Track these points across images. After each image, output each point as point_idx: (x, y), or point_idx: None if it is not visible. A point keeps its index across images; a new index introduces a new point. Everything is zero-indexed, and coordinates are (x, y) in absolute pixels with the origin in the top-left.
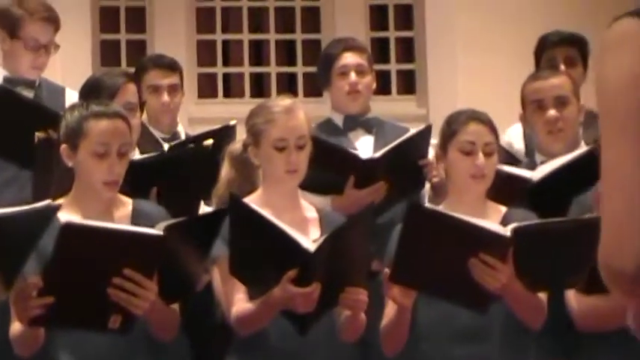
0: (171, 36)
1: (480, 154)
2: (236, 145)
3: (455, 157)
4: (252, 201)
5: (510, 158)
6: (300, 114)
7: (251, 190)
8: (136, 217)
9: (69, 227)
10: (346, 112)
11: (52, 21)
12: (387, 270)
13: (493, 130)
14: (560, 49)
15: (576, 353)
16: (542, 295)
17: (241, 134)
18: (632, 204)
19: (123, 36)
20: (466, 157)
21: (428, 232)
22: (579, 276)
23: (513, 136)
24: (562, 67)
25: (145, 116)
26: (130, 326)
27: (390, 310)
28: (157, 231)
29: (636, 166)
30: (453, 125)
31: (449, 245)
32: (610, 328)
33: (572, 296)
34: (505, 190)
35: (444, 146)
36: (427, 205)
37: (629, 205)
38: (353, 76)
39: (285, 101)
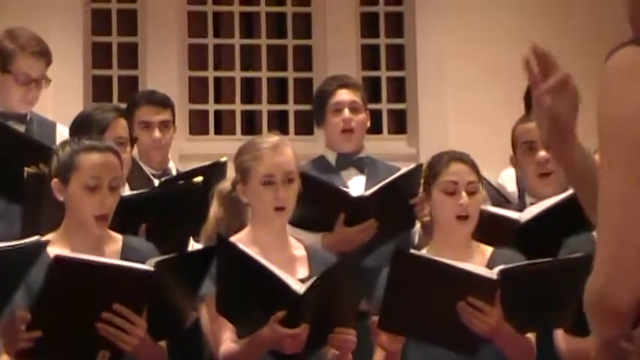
0: (164, 72)
1: (463, 194)
2: (225, 184)
3: (439, 199)
4: (240, 239)
5: (502, 199)
6: (287, 150)
7: (239, 229)
8: (126, 253)
9: (59, 260)
10: (339, 150)
11: (44, 55)
12: (374, 318)
13: (475, 170)
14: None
15: None
16: (531, 336)
17: (232, 171)
18: (637, 234)
19: (115, 71)
20: (450, 198)
21: (415, 278)
22: (567, 316)
23: (506, 179)
24: None
25: (135, 152)
26: None
27: (379, 355)
28: (147, 266)
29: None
30: (435, 167)
31: (436, 290)
32: None
33: (560, 336)
34: (491, 230)
35: (427, 188)
36: (413, 251)
37: (635, 235)
38: (347, 112)
39: (273, 138)
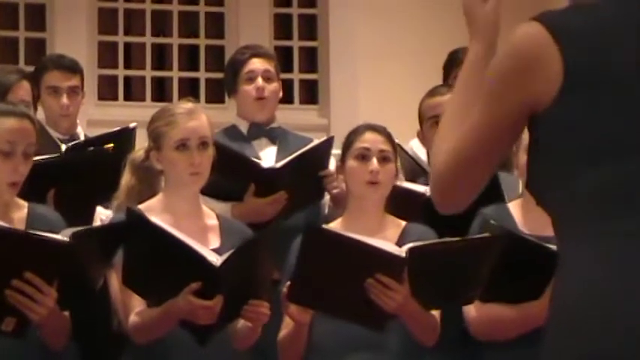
0: (73, 35)
1: (374, 160)
2: (138, 153)
3: (351, 165)
4: (151, 206)
5: (418, 168)
6: (201, 116)
7: (151, 197)
8: (32, 221)
9: None
10: (252, 119)
11: None
12: (284, 289)
13: (390, 140)
14: None
15: None
16: (436, 313)
17: (141, 138)
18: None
19: (22, 33)
20: (361, 164)
21: (325, 253)
22: (474, 294)
23: (417, 148)
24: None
25: (42, 117)
26: (25, 331)
27: (288, 322)
28: (62, 237)
29: (487, 133)
30: (351, 136)
31: (346, 266)
32: (506, 337)
33: (470, 307)
34: (403, 204)
35: (343, 158)
36: (326, 226)
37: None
38: (260, 81)
39: (187, 104)
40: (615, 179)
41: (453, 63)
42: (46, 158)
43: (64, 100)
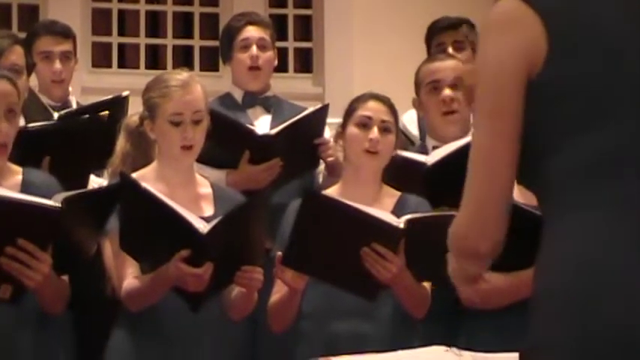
0: (66, 2)
1: (375, 129)
2: (133, 118)
3: (351, 132)
4: (145, 175)
5: (406, 140)
6: (196, 88)
7: (146, 164)
8: (26, 187)
9: None
10: (246, 88)
11: None
12: (279, 253)
13: (392, 111)
14: (449, 34)
15: (456, 336)
16: (427, 285)
17: (135, 106)
18: (497, 189)
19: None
20: (362, 132)
21: (323, 220)
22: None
23: (407, 122)
24: (450, 51)
25: (35, 83)
26: (20, 297)
27: (279, 287)
28: (54, 202)
29: (506, 149)
30: (354, 104)
31: (343, 233)
32: (499, 305)
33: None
34: (400, 174)
35: (344, 124)
36: (323, 192)
37: (495, 190)
38: (255, 50)
39: (182, 75)
40: (611, 145)
41: (432, 33)
42: (40, 125)
43: (57, 65)
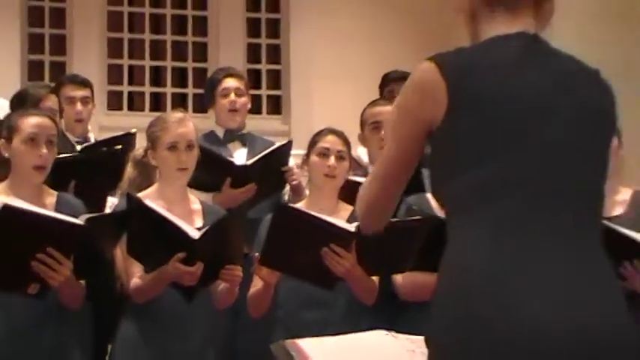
0: (87, 59)
1: (332, 158)
2: (138, 151)
3: (314, 161)
4: (149, 194)
5: (359, 167)
6: (189, 123)
7: (149, 186)
8: (60, 206)
9: (7, 208)
10: (226, 127)
11: None
12: (257, 254)
13: (346, 143)
14: (398, 84)
15: (398, 321)
16: (375, 278)
17: (140, 141)
18: (376, 202)
19: (47, 57)
20: (322, 160)
21: (291, 227)
22: (407, 264)
23: (361, 153)
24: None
25: (62, 124)
26: (45, 294)
27: (256, 282)
28: (79, 220)
29: (399, 173)
30: (315, 137)
31: (307, 237)
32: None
33: (399, 276)
34: (353, 193)
35: (308, 154)
36: (292, 205)
37: (374, 201)
38: (233, 96)
39: (178, 114)
40: (490, 176)
41: (385, 82)
42: (66, 156)
43: (78, 107)
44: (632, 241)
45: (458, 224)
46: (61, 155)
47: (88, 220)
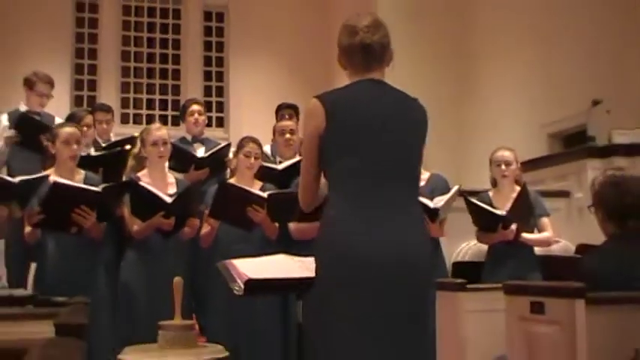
0: (109, 95)
1: (252, 158)
2: (136, 148)
3: (241, 158)
4: (141, 176)
5: (267, 158)
6: (163, 130)
7: (142, 169)
8: (86, 180)
9: (55, 184)
10: (192, 134)
11: (51, 85)
12: (207, 211)
13: (260, 147)
14: (285, 110)
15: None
16: (276, 224)
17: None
18: (305, 190)
19: (85, 93)
20: (246, 158)
21: (229, 195)
22: (294, 217)
23: (267, 149)
24: (287, 117)
25: (95, 133)
26: (81, 232)
27: (206, 226)
28: (98, 189)
29: (308, 174)
30: (242, 142)
31: (239, 201)
32: (307, 237)
33: (290, 224)
34: (264, 174)
35: (237, 152)
36: (229, 181)
37: (304, 189)
38: (196, 115)
39: (156, 124)
40: (352, 164)
41: (279, 109)
42: (97, 153)
43: (104, 125)
44: (425, 205)
45: (333, 192)
46: (94, 153)
47: (103, 189)
